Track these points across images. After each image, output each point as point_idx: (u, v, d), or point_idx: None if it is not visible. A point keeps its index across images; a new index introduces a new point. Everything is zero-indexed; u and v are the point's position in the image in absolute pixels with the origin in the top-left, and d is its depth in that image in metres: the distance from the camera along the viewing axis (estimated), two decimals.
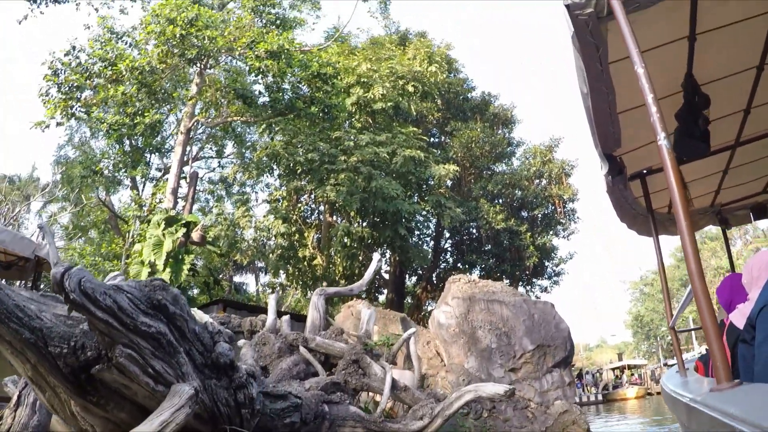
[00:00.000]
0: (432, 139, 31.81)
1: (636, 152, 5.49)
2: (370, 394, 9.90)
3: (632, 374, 50.10)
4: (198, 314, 9.71)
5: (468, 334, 14.27)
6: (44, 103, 17.03)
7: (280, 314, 10.65)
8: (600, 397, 41.03)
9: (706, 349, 3.35)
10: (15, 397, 5.64)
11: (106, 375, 4.37)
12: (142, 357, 4.35)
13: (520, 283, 31.54)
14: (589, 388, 44.13)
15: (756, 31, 4.10)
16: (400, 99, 24.47)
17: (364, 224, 24.64)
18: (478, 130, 28.89)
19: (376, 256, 11.23)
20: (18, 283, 14.77)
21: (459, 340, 14.32)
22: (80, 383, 4.45)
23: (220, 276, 28.55)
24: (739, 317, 3.06)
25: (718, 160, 6.13)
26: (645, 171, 6.00)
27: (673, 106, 4.62)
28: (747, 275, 3.28)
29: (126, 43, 18.95)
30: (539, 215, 30.17)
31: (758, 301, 2.32)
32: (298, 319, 23.67)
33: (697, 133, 4.66)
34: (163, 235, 16.23)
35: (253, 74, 18.69)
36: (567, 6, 3.41)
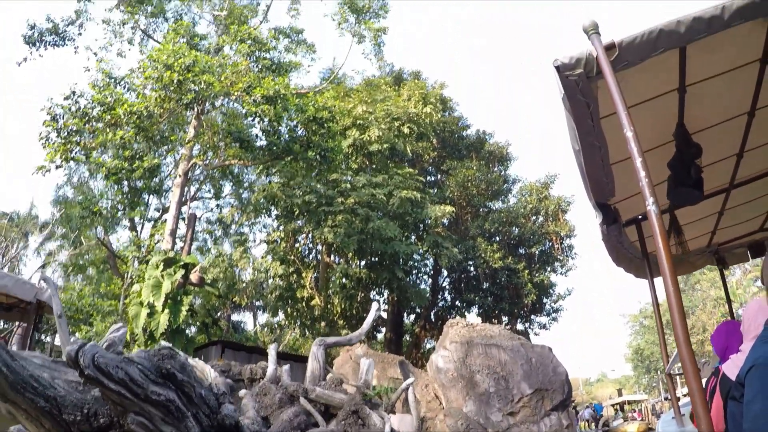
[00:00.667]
0: (428, 178, 32.10)
1: (630, 199, 5.54)
2: None
3: (633, 409, 49.65)
4: (200, 366, 9.81)
5: (466, 379, 14.31)
6: (44, 146, 17.25)
7: (279, 356, 10.73)
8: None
9: None
10: None
11: None
12: (153, 423, 4.50)
13: (519, 320, 31.56)
14: (588, 424, 43.67)
15: (745, 79, 4.17)
16: (396, 140, 24.78)
17: (362, 265, 24.76)
18: (474, 168, 29.14)
19: (375, 305, 11.38)
20: (18, 324, 14.81)
21: (457, 384, 14.35)
22: None
23: (218, 315, 28.54)
24: (732, 368, 3.02)
25: (714, 202, 6.20)
26: (640, 217, 6.11)
27: (666, 155, 4.73)
28: (745, 322, 3.24)
29: (124, 88, 19.28)
30: (536, 252, 30.27)
31: (747, 359, 2.30)
32: (296, 359, 23.68)
33: (689, 182, 4.74)
34: (162, 276, 16.35)
35: (249, 118, 19.00)
36: (557, 67, 3.47)
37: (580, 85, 3.55)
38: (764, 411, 2.04)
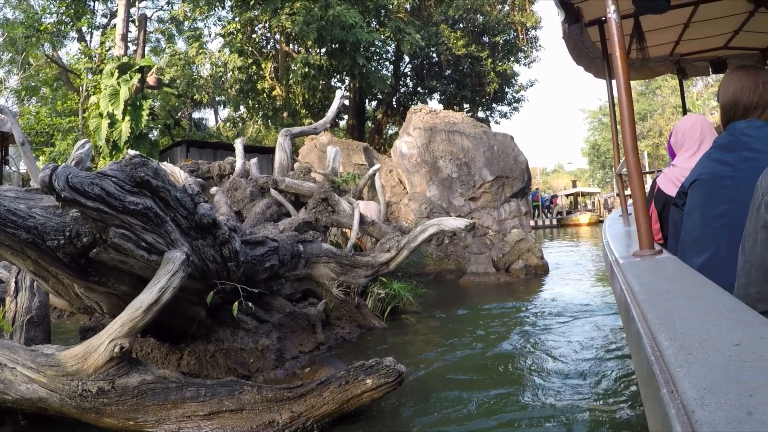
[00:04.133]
0: None
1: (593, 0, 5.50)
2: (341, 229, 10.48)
3: (584, 203, 52.11)
4: (170, 168, 9.91)
5: (430, 164, 14.79)
6: None
7: (244, 149, 10.86)
8: (555, 222, 43.14)
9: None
10: (12, 284, 5.90)
11: (103, 256, 4.69)
12: (134, 233, 4.65)
13: (480, 108, 31.85)
14: (543, 211, 46.10)
15: None
16: None
17: (322, 53, 24.15)
18: None
19: (338, 93, 11.33)
20: None
21: (421, 170, 14.86)
22: (80, 267, 4.77)
23: (179, 115, 28.13)
24: (664, 182, 3.25)
25: (681, 13, 6.13)
26: (603, 18, 6.06)
27: None
28: (674, 137, 3.42)
29: None
30: (501, 41, 29.74)
31: (693, 172, 2.45)
32: (262, 151, 23.95)
33: None
34: (118, 83, 15.95)
35: None
36: None
37: None
38: (699, 221, 2.29)
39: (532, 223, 41.80)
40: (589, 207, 54.00)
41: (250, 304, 5.74)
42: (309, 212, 9.11)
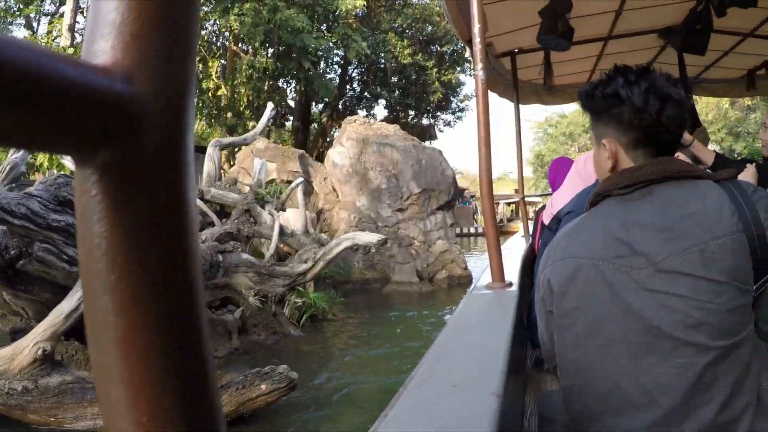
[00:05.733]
0: None
1: (507, 34, 5.86)
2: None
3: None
4: None
5: (360, 175, 15.36)
6: None
7: None
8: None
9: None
10: None
11: (29, 267, 5.18)
12: (57, 248, 5.14)
13: (425, 115, 32.51)
14: (474, 218, 46.72)
15: None
16: None
17: (269, 55, 24.43)
18: None
19: (269, 105, 11.73)
20: None
21: (352, 180, 15.41)
22: (8, 277, 5.26)
23: None
24: (547, 217, 3.30)
25: (594, 47, 6.59)
26: (516, 50, 6.56)
27: (542, 2, 4.96)
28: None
29: None
30: (448, 51, 30.39)
31: (570, 203, 2.59)
32: (203, 150, 24.07)
33: (556, 32, 5.08)
34: None
35: None
36: None
37: None
38: None
39: (471, 230, 42.50)
40: (531, 216, 54.94)
41: None
42: (232, 222, 9.56)
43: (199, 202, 9.89)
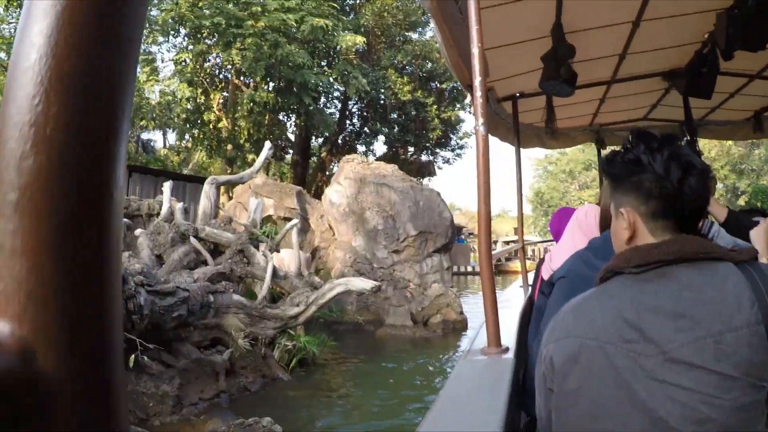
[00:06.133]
0: (346, 1, 31.15)
1: (508, 79, 5.86)
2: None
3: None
4: None
5: (357, 215, 15.39)
6: None
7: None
8: (492, 269, 43.35)
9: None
10: None
11: None
12: None
13: (424, 152, 32.67)
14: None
15: None
16: None
17: (269, 89, 24.65)
18: None
19: (267, 144, 11.82)
20: None
21: (348, 220, 15.44)
22: None
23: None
24: (547, 271, 3.19)
25: (596, 90, 6.56)
26: (518, 95, 6.38)
27: (546, 46, 4.98)
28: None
29: None
30: (447, 88, 30.64)
31: (563, 267, 2.47)
32: (201, 181, 24.11)
33: (559, 78, 5.07)
34: None
35: None
36: None
37: None
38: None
39: (469, 268, 42.19)
40: (529, 255, 54.69)
41: (146, 359, 6.17)
42: (225, 262, 9.57)
43: (193, 240, 9.91)
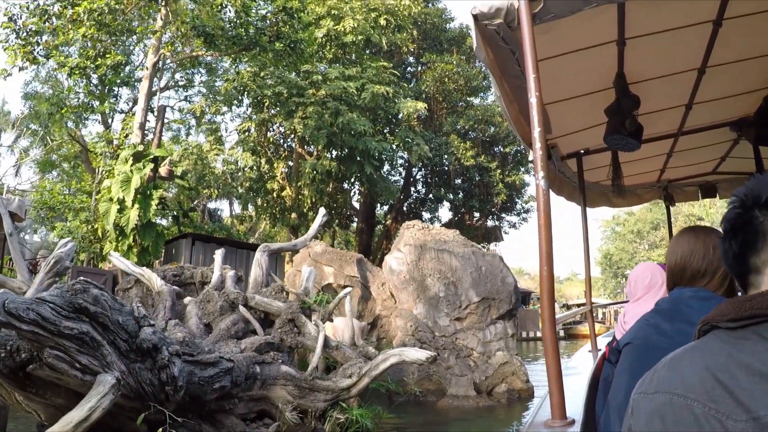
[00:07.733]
0: (407, 69, 31.61)
1: (572, 135, 5.68)
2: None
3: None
4: (147, 275, 10.13)
5: (418, 282, 14.90)
6: (4, 49, 16.90)
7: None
8: (561, 333, 42.32)
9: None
10: None
11: (39, 372, 4.98)
12: (69, 355, 4.93)
13: (489, 217, 32.19)
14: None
15: (695, 38, 4.11)
16: (372, 32, 24.20)
17: (332, 157, 24.87)
18: (454, 63, 28.68)
19: (321, 210, 11.65)
20: None
21: (409, 287, 14.95)
22: (19, 379, 5.09)
23: (195, 203, 28.71)
24: (620, 332, 3.05)
25: (663, 144, 6.29)
26: (582, 152, 6.22)
27: (609, 98, 4.74)
28: (630, 285, 3.27)
29: None
30: (510, 152, 30.37)
31: (629, 332, 2.35)
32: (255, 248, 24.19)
33: (624, 131, 4.81)
34: (131, 171, 16.51)
35: (215, 9, 18.49)
36: (474, 16, 3.13)
37: (501, 34, 3.30)
38: (625, 386, 2.14)
39: (539, 333, 41.07)
40: (599, 318, 53.15)
41: None
42: (275, 332, 9.23)
43: (242, 308, 9.64)
